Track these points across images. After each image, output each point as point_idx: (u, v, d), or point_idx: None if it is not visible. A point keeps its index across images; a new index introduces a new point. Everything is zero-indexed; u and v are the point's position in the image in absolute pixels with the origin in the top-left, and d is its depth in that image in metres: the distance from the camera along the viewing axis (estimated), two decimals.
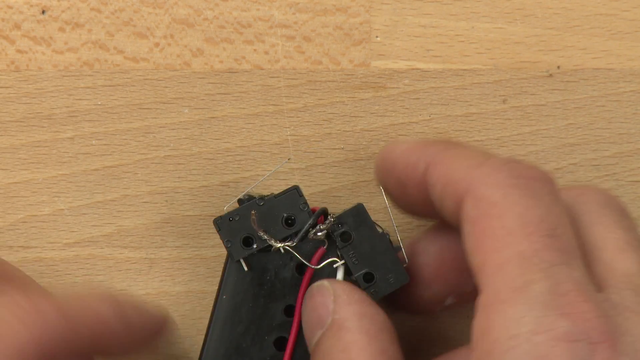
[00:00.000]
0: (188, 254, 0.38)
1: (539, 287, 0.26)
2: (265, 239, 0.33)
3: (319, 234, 0.33)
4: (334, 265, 0.34)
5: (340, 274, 0.34)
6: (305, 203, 0.34)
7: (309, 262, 0.34)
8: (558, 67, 0.39)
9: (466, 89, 0.39)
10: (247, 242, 0.33)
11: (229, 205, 0.34)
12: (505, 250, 0.27)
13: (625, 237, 0.29)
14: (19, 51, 0.37)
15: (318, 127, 0.38)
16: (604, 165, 0.39)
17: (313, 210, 0.34)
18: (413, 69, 0.38)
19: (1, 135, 0.37)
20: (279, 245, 0.33)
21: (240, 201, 0.34)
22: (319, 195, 0.38)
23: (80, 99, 0.38)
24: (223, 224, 0.33)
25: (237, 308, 0.34)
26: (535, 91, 0.39)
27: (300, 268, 0.34)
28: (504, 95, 0.39)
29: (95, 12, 0.38)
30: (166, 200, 0.38)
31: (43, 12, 0.37)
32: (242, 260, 0.33)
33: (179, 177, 0.38)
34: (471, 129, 0.39)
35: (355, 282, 0.33)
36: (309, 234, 0.33)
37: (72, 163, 0.37)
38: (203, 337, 0.34)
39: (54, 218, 0.37)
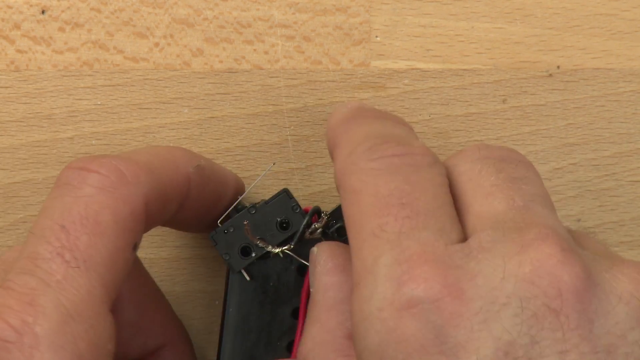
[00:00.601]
0: (188, 254, 0.38)
1: (383, 260, 0.26)
2: (263, 247, 0.33)
3: (316, 232, 0.33)
4: None
5: None
6: (297, 204, 0.34)
7: (308, 262, 0.33)
8: (558, 67, 0.39)
9: (466, 89, 0.39)
10: (245, 251, 0.33)
11: (222, 217, 0.34)
12: (360, 233, 0.27)
13: (493, 180, 0.29)
14: (18, 51, 0.37)
15: (318, 127, 0.38)
16: (603, 165, 0.39)
17: (305, 211, 0.34)
18: (413, 69, 0.38)
19: (1, 135, 0.37)
20: (277, 250, 0.33)
21: (235, 209, 0.34)
22: (319, 195, 0.38)
23: (80, 99, 0.38)
24: (219, 237, 0.33)
25: (245, 319, 0.33)
26: (535, 91, 0.39)
27: (302, 270, 0.34)
28: (503, 95, 0.39)
29: (95, 12, 0.38)
30: None
31: (43, 12, 0.37)
32: (243, 271, 0.33)
33: None
34: (471, 129, 0.39)
35: None
36: (305, 234, 0.33)
37: None
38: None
39: None
